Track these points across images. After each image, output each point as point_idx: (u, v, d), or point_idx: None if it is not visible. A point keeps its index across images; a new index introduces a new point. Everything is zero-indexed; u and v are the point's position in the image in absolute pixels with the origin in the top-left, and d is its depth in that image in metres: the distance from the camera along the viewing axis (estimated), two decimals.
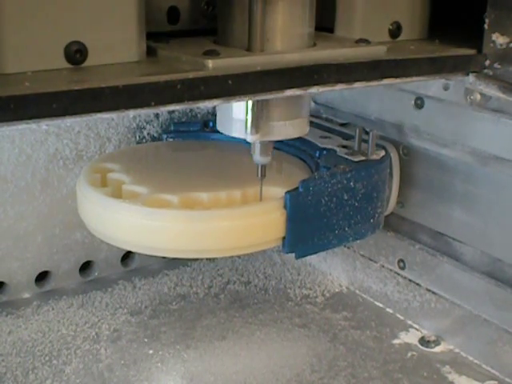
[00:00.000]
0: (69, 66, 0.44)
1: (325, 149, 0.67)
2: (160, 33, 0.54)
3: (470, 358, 0.65)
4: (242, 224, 0.57)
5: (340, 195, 0.61)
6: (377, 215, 0.64)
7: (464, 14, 0.64)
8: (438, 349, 0.67)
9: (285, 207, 0.58)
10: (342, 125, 0.76)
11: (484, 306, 0.63)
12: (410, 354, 0.66)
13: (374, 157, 0.65)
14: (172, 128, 0.76)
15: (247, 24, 0.49)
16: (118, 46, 0.46)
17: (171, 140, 0.74)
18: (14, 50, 0.42)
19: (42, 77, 0.42)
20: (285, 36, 0.51)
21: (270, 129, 0.56)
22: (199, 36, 0.55)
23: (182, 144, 0.74)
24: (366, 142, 0.65)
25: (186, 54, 0.48)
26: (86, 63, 0.44)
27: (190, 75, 0.44)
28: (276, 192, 0.59)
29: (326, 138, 0.70)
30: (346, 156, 0.64)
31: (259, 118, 0.55)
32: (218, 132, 0.68)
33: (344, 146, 0.67)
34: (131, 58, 0.46)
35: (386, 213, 0.70)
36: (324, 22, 0.57)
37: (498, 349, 0.62)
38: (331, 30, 0.58)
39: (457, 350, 0.66)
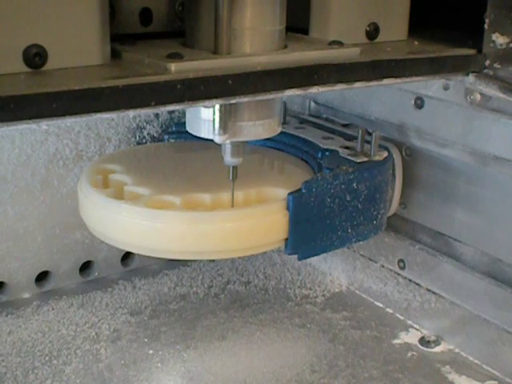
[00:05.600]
0: (28, 69, 0.42)
1: (327, 150, 0.66)
2: (133, 35, 0.53)
3: (470, 358, 0.65)
4: (245, 225, 0.56)
5: (343, 196, 0.60)
6: (380, 216, 0.64)
7: (449, 14, 0.65)
8: (438, 349, 0.67)
9: (287, 208, 0.57)
10: (344, 125, 0.75)
11: (484, 305, 0.63)
12: (409, 354, 0.66)
13: (377, 158, 0.64)
14: (173, 128, 0.75)
15: (213, 25, 0.47)
16: (79, 48, 0.44)
17: (173, 141, 0.74)
18: None
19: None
20: (253, 38, 0.50)
21: (238, 129, 0.54)
22: (171, 38, 0.54)
23: (183, 145, 0.73)
24: (369, 142, 0.65)
25: (150, 56, 0.47)
26: (46, 67, 0.43)
27: (157, 78, 0.43)
28: (278, 193, 0.59)
29: (328, 138, 0.70)
30: (349, 157, 0.64)
31: (227, 118, 0.53)
32: None
33: (346, 147, 0.67)
34: (94, 61, 0.45)
35: (389, 214, 0.69)
36: (300, 23, 0.57)
37: (498, 349, 0.62)
38: (307, 32, 0.57)
39: (457, 350, 0.66)
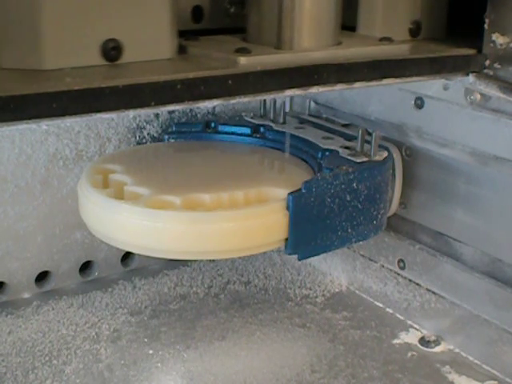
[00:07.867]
0: (105, 62, 0.45)
1: (327, 150, 0.66)
2: (185, 31, 0.55)
3: (470, 358, 0.65)
4: (245, 225, 0.56)
5: (343, 196, 0.60)
6: (380, 216, 0.64)
7: (449, 14, 0.65)
8: (438, 349, 0.67)
9: (287, 208, 0.58)
10: (344, 125, 0.75)
11: (484, 305, 0.63)
12: (410, 354, 0.66)
13: (377, 158, 0.64)
14: (173, 128, 0.75)
15: (277, 22, 0.50)
16: (152, 43, 0.47)
17: (173, 141, 0.74)
18: (52, 47, 0.43)
19: (80, 73, 0.43)
20: (313, 34, 0.52)
21: None
22: (224, 34, 0.56)
23: (183, 145, 0.74)
24: (369, 142, 0.65)
25: (217, 51, 0.49)
26: (121, 60, 0.46)
27: (217, 72, 0.45)
28: (278, 193, 0.59)
29: (328, 138, 0.70)
30: (349, 157, 0.64)
31: None
32: (220, 132, 0.68)
33: (346, 147, 0.67)
34: (164, 55, 0.48)
35: (389, 214, 0.69)
36: (346, 21, 0.58)
37: (498, 349, 0.62)
38: (353, 29, 0.60)
39: (457, 350, 0.66)
